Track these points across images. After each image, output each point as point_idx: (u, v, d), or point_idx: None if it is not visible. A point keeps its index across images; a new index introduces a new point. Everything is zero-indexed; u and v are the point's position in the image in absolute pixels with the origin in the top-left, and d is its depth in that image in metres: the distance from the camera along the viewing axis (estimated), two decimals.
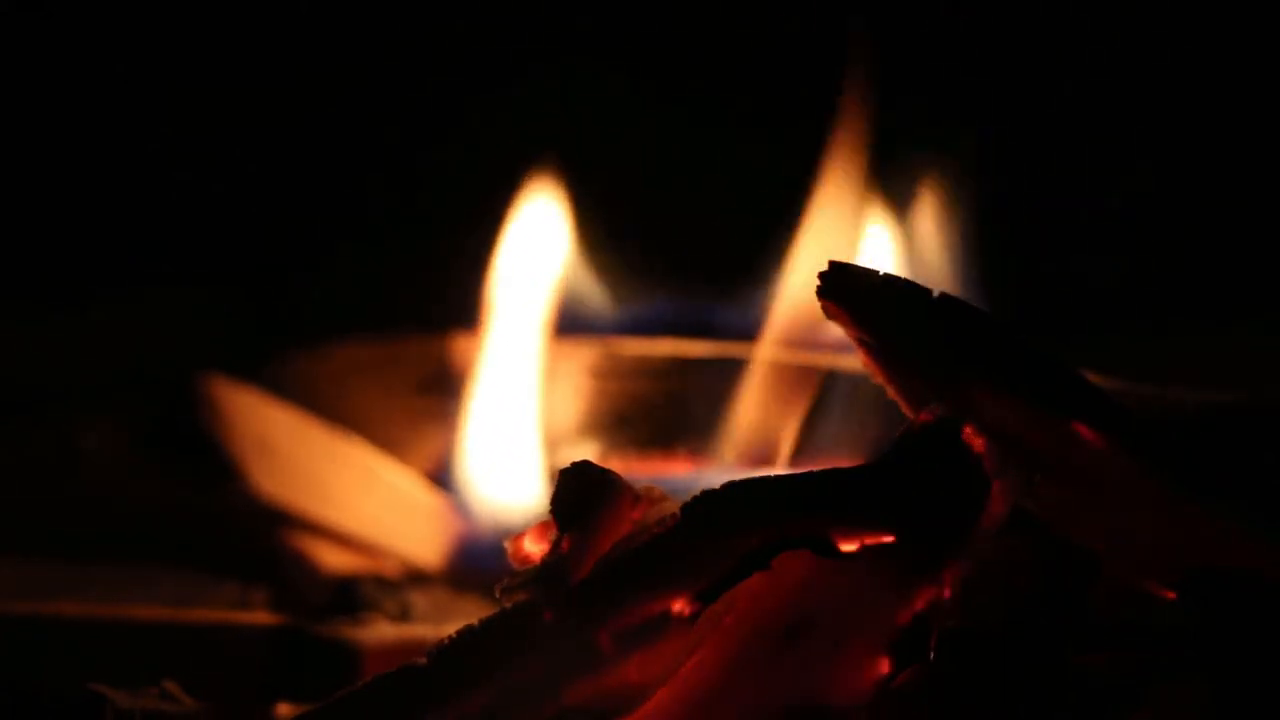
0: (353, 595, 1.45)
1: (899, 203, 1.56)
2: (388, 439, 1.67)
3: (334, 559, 1.55)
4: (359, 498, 1.60)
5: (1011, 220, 1.54)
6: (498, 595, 0.92)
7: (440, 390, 1.61)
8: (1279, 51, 1.88)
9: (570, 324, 1.62)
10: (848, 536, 0.91)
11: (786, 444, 1.50)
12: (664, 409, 1.63)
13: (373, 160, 1.95)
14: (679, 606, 0.90)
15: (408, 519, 1.61)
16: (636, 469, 1.58)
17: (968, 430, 0.93)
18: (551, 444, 1.64)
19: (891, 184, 1.56)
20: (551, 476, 1.54)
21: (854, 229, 1.52)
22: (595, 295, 1.61)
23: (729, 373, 1.55)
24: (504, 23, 1.95)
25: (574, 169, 1.66)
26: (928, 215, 1.55)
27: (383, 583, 1.48)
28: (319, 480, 1.59)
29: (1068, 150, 1.87)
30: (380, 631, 1.41)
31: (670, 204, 1.92)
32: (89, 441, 1.61)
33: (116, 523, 1.56)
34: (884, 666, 0.92)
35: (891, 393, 1.00)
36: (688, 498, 0.91)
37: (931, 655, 0.91)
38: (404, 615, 1.44)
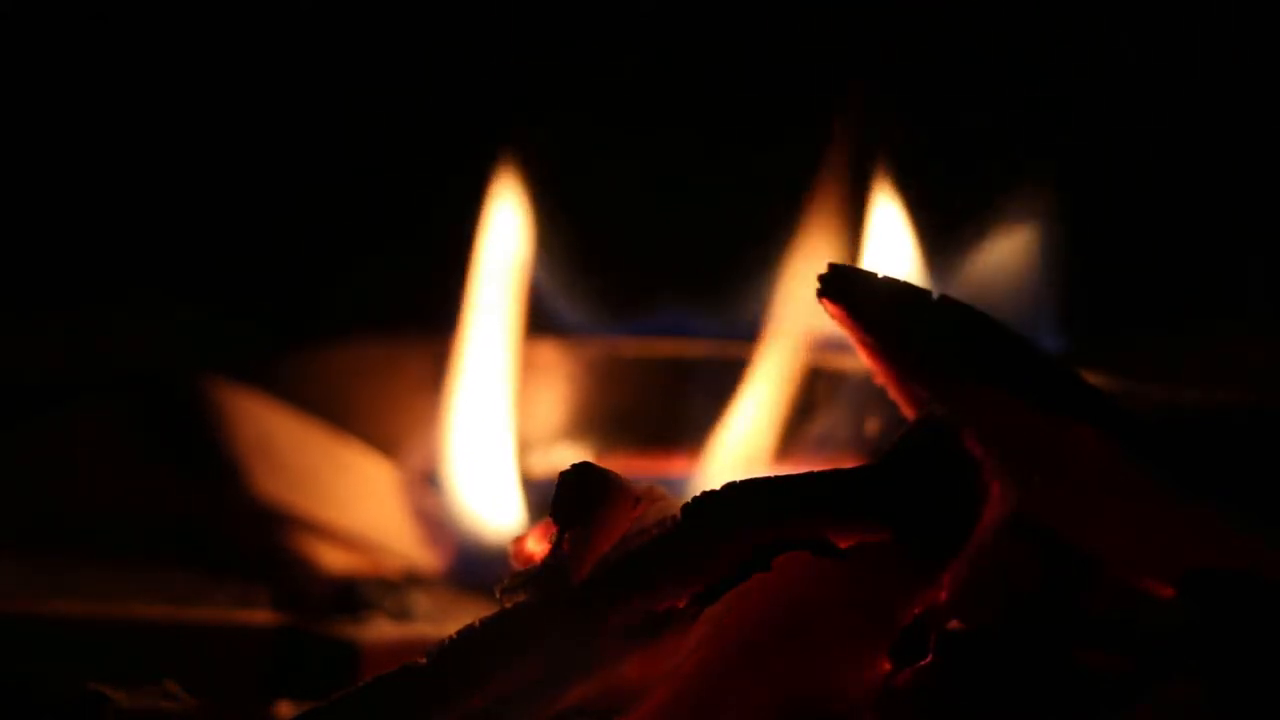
0: (353, 595, 1.45)
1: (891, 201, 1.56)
2: (388, 439, 1.67)
3: (334, 559, 1.55)
4: (359, 501, 1.60)
5: (1010, 219, 1.54)
6: (498, 595, 0.92)
7: (439, 391, 1.61)
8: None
9: (565, 325, 1.63)
10: (847, 537, 0.91)
11: (786, 444, 1.51)
12: (663, 409, 1.64)
13: (373, 161, 1.95)
14: (679, 607, 0.90)
15: (406, 522, 1.61)
16: (636, 469, 1.58)
17: (967, 431, 0.93)
18: (546, 446, 1.65)
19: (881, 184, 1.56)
20: (530, 479, 1.55)
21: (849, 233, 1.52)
22: (586, 297, 1.62)
23: (729, 373, 1.55)
24: (502, 26, 1.95)
25: (571, 172, 1.66)
26: (923, 220, 1.55)
27: (383, 583, 1.48)
28: (319, 483, 1.59)
29: (1064, 150, 1.87)
30: (380, 631, 1.41)
31: (664, 206, 1.92)
32: (88, 441, 1.61)
33: (116, 523, 1.56)
34: (884, 666, 0.92)
35: (891, 393, 1.00)
36: (688, 498, 0.91)
37: (931, 655, 0.91)
38: (404, 615, 1.44)
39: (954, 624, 0.92)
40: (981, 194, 1.56)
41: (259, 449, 1.58)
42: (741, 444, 1.51)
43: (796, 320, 1.52)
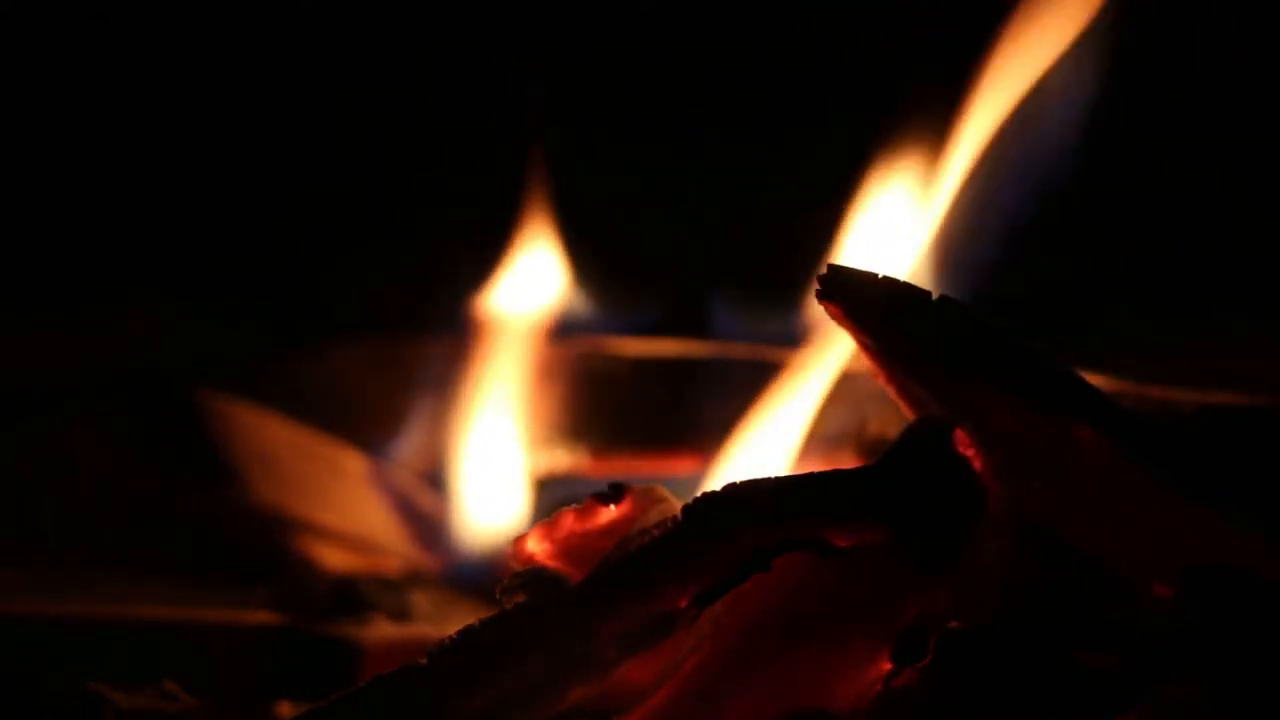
0: (353, 595, 1.45)
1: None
2: (386, 440, 1.67)
3: (334, 559, 1.55)
4: (357, 503, 1.60)
5: (1008, 217, 1.55)
6: (498, 595, 0.92)
7: (438, 392, 1.62)
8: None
9: (566, 325, 1.63)
10: (847, 537, 0.91)
11: (788, 444, 1.51)
12: (663, 409, 1.64)
13: (372, 161, 1.95)
14: (679, 607, 0.90)
15: (405, 523, 1.61)
16: (636, 469, 1.58)
17: (967, 432, 0.93)
18: (546, 445, 1.65)
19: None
20: (529, 479, 1.54)
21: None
22: (590, 299, 1.62)
23: (729, 373, 1.55)
24: (505, 25, 1.95)
25: (569, 172, 1.67)
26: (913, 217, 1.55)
27: (383, 583, 1.48)
28: (317, 487, 1.59)
29: (1063, 149, 1.87)
30: (380, 631, 1.41)
31: (664, 208, 1.92)
32: (88, 442, 1.61)
33: (116, 523, 1.56)
34: (884, 666, 0.93)
35: (891, 394, 1.00)
36: (688, 499, 0.91)
37: (931, 655, 0.91)
38: (404, 615, 1.44)
39: (954, 624, 0.92)
40: (983, 193, 1.56)
41: (256, 454, 1.58)
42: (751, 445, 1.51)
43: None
